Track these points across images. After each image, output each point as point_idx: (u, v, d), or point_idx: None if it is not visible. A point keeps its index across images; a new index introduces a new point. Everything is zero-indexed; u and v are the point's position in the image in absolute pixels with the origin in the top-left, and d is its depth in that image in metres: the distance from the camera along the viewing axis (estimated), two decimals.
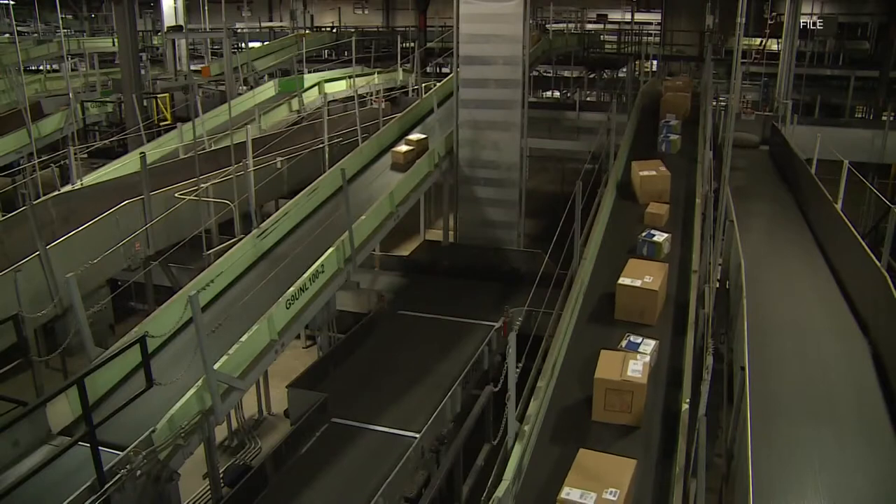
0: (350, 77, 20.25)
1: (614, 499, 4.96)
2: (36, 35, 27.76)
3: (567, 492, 5.00)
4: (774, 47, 21.67)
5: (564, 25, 28.66)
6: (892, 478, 5.49)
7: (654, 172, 10.19)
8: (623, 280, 7.54)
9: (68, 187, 11.56)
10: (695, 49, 25.58)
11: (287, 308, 7.65)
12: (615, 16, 33.21)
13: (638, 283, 7.46)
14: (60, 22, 22.14)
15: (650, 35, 29.30)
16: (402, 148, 12.64)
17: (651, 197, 9.87)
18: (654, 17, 30.98)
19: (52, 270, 8.80)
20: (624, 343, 6.77)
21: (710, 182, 10.28)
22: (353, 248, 8.97)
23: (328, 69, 21.54)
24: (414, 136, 12.93)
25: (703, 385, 5.71)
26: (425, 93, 16.99)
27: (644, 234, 8.69)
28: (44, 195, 10.96)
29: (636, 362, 6.20)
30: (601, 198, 10.23)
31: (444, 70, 24.38)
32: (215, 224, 11.42)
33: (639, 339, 6.78)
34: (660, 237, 8.60)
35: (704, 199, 9.69)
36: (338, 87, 20.35)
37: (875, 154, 15.48)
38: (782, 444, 5.84)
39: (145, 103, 16.46)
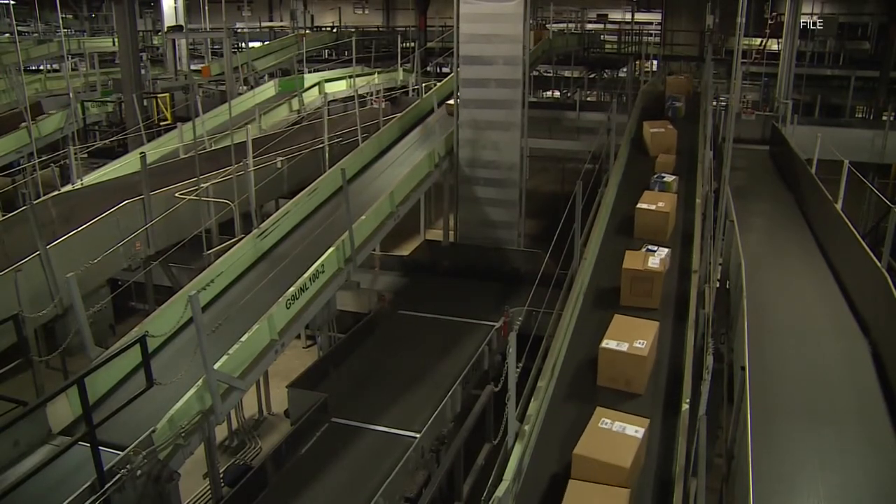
0: (350, 77, 20.25)
1: (642, 346, 6.45)
2: (36, 35, 27.76)
3: (607, 342, 6.54)
4: (774, 47, 21.64)
5: (564, 25, 28.65)
6: (892, 478, 5.49)
7: (662, 130, 12.14)
8: (641, 204, 9.24)
9: (68, 187, 11.56)
10: (695, 49, 25.54)
11: (287, 308, 7.65)
12: (615, 16, 33.19)
13: (653, 206, 9.20)
14: (61, 22, 22.06)
15: (650, 35, 29.28)
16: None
17: (660, 150, 11.69)
18: (654, 17, 30.92)
19: (53, 270, 8.79)
20: (643, 250, 8.26)
21: (710, 182, 10.30)
22: (353, 248, 8.96)
23: (328, 69, 21.54)
24: None
25: (703, 385, 5.71)
26: (425, 93, 16.99)
27: (656, 176, 10.39)
28: (44, 195, 10.96)
29: (654, 257, 7.86)
30: (602, 197, 10.26)
31: (445, 70, 24.38)
32: (215, 224, 11.41)
33: (655, 247, 8.29)
34: (669, 178, 10.29)
35: (704, 199, 9.72)
36: (338, 87, 20.34)
37: (875, 154, 15.47)
38: (782, 444, 5.84)
39: (145, 103, 16.46)
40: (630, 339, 6.52)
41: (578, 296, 7.86)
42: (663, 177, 10.28)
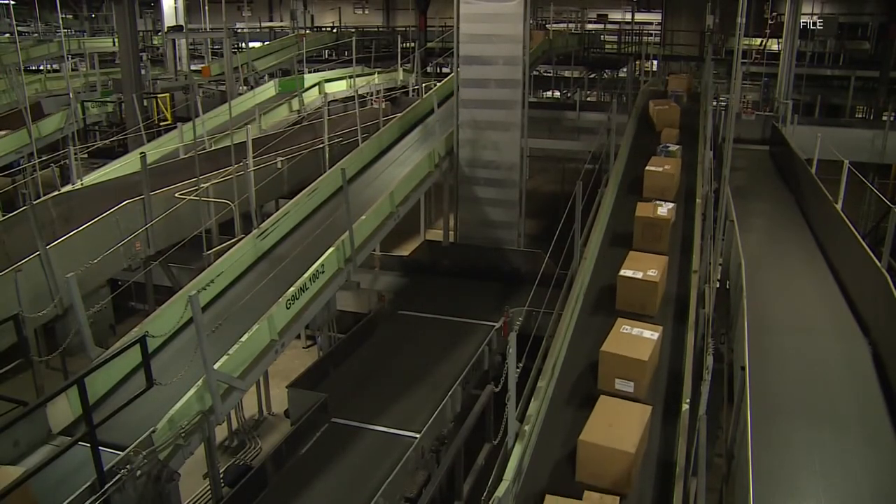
0: (350, 77, 20.24)
1: (654, 275, 7.72)
2: (36, 35, 27.74)
3: (624, 271, 7.84)
4: (775, 47, 21.65)
5: (564, 25, 28.65)
6: (892, 478, 5.49)
7: (666, 107, 13.76)
8: (649, 167, 10.39)
9: (68, 187, 11.55)
10: (695, 49, 25.56)
11: (287, 308, 7.65)
12: (615, 16, 33.18)
13: (660, 169, 10.34)
14: (61, 22, 22.11)
15: (650, 35, 29.30)
16: None
17: (665, 124, 13.19)
18: (655, 17, 30.96)
19: (53, 270, 8.80)
20: (652, 203, 9.29)
21: (710, 182, 10.31)
22: (353, 248, 8.96)
23: (328, 69, 21.53)
24: None
25: (703, 385, 5.71)
26: (425, 93, 16.99)
27: (661, 146, 11.59)
28: (44, 195, 10.95)
29: (662, 208, 9.08)
30: (602, 197, 10.28)
31: (445, 70, 24.38)
32: (215, 224, 11.41)
33: (662, 203, 9.30)
34: (673, 147, 11.48)
35: (705, 199, 9.73)
36: (338, 87, 20.33)
37: (875, 154, 15.48)
38: (782, 444, 5.84)
39: (145, 103, 16.45)
40: (644, 269, 7.78)
41: (578, 296, 7.86)
42: (668, 146, 11.43)
